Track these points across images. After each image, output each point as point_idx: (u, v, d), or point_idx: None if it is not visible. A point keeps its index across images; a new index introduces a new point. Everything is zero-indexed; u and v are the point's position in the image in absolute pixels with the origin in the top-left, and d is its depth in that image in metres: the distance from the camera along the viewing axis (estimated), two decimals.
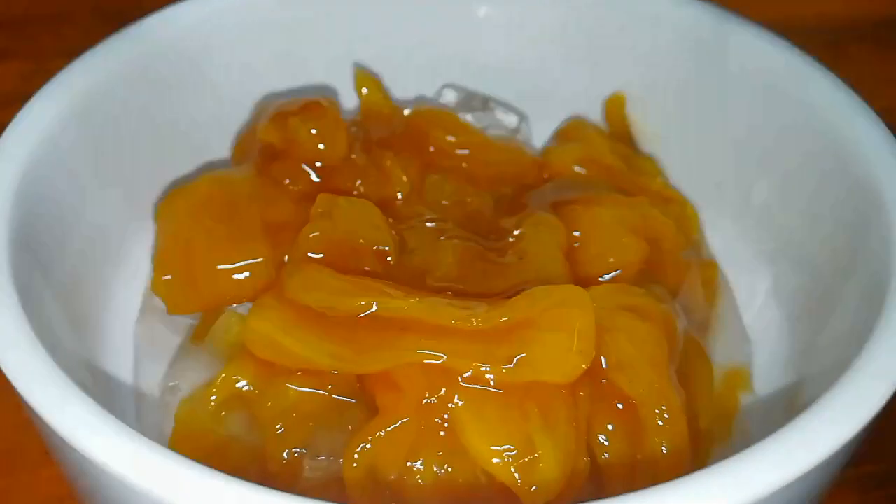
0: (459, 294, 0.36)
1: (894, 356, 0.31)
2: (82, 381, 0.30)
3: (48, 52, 0.63)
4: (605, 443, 0.34)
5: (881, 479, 0.43)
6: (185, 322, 0.40)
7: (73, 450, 0.28)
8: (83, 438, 0.28)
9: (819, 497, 0.31)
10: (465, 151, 0.45)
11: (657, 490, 0.27)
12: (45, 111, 0.39)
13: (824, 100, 0.40)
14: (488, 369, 0.33)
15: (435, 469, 0.33)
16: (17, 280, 0.33)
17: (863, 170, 0.38)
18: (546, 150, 0.47)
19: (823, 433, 0.28)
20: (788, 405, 0.37)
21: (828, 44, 0.51)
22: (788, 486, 0.27)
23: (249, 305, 0.36)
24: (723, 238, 0.46)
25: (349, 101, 0.48)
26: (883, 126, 0.39)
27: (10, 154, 0.37)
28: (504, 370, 0.33)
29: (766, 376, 0.41)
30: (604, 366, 0.34)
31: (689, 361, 0.37)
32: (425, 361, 0.33)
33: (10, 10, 0.67)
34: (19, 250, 0.34)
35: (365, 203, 0.39)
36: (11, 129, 0.38)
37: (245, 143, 0.45)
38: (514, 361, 0.33)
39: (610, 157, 0.46)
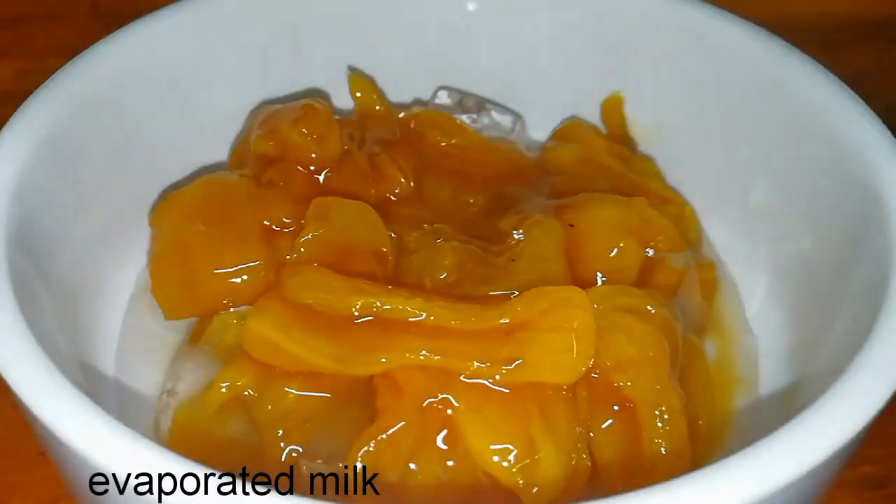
0: (459, 296, 0.35)
1: (893, 356, 0.31)
2: (77, 381, 0.30)
3: (44, 51, 0.63)
4: (606, 443, 0.34)
5: (879, 480, 0.43)
6: (179, 322, 0.40)
7: (68, 449, 0.28)
8: (79, 438, 0.28)
9: (817, 498, 0.31)
10: (462, 152, 0.45)
11: (657, 490, 0.27)
12: (42, 111, 0.38)
13: (824, 100, 0.40)
14: (488, 370, 0.33)
15: (436, 471, 0.33)
16: (13, 280, 0.32)
17: (862, 169, 0.38)
18: (544, 151, 0.47)
19: (822, 434, 0.28)
20: (787, 405, 0.37)
21: (828, 43, 0.51)
22: (787, 487, 0.27)
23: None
24: (721, 238, 0.46)
25: (345, 105, 0.48)
26: (883, 126, 0.39)
27: (7, 154, 0.36)
28: (504, 371, 0.33)
29: (766, 376, 0.41)
30: (604, 366, 0.34)
31: (687, 362, 0.37)
32: (425, 363, 0.33)
33: (6, 9, 0.66)
34: (16, 250, 0.34)
35: (361, 205, 0.39)
36: (8, 130, 0.37)
37: (241, 150, 0.45)
38: (515, 362, 0.33)
39: (608, 157, 0.46)
